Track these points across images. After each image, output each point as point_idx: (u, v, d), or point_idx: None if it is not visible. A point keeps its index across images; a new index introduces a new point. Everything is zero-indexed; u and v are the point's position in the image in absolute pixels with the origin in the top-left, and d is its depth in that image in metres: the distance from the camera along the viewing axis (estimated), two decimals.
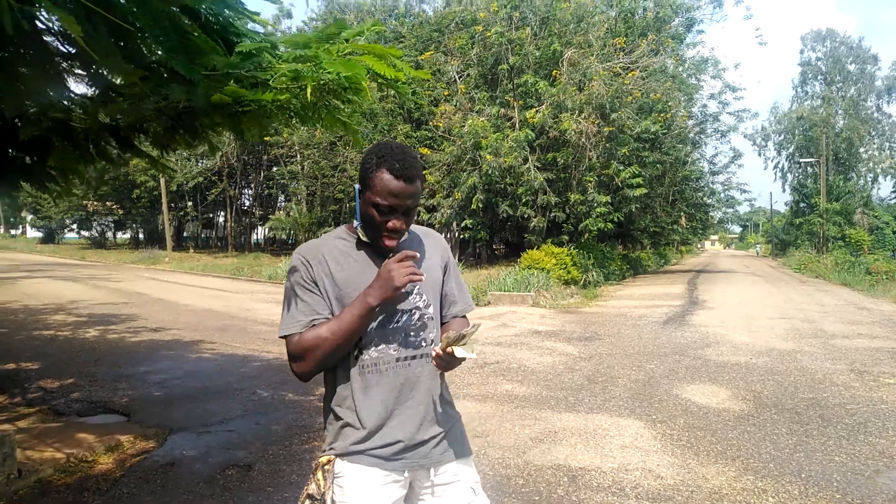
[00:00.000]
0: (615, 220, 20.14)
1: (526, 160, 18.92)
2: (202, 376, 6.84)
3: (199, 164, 36.87)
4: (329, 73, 2.83)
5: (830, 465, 4.30)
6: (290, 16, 34.68)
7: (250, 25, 3.14)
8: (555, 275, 17.13)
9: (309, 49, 2.91)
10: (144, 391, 6.15)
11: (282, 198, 43.29)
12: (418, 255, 1.66)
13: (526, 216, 19.73)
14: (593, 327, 11.05)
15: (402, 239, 1.79)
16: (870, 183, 54.05)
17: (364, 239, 1.76)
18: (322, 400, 1.90)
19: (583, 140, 18.05)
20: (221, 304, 13.39)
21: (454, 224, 22.77)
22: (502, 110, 20.52)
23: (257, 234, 51.19)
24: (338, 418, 1.76)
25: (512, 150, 18.49)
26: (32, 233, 64.96)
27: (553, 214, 19.54)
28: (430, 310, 1.83)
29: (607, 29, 20.43)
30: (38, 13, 2.46)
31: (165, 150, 4.18)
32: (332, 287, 1.73)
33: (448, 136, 20.93)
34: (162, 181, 32.58)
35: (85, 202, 44.36)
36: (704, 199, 31.70)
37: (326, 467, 1.74)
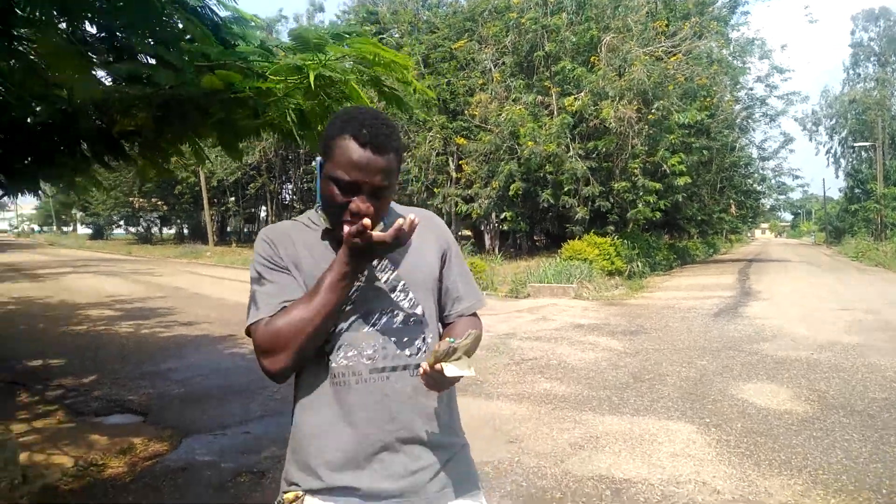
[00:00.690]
0: (662, 207, 19.39)
1: (567, 148, 18.30)
2: (225, 374, 6.60)
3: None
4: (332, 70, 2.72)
5: None
6: (322, 9, 34.67)
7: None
8: (598, 266, 16.52)
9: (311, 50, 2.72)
10: (165, 389, 5.94)
11: None
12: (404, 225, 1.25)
13: (568, 206, 19.10)
14: (639, 320, 10.49)
15: (380, 228, 1.36)
16: None
17: (325, 224, 1.39)
18: None
19: (624, 127, 17.35)
20: None
21: (493, 215, 22.31)
22: (539, 98, 19.90)
23: None
24: (300, 442, 1.39)
25: (552, 136, 17.90)
26: (83, 230, 66.99)
27: (597, 204, 18.86)
28: (419, 310, 1.44)
29: (647, 12, 19.60)
30: None
31: (157, 153, 3.95)
32: (297, 273, 1.37)
33: (484, 126, 20.45)
34: (202, 177, 32.85)
35: (131, 199, 45.54)
36: (754, 185, 30.55)
37: None
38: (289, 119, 3.05)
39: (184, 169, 36.51)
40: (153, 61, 2.84)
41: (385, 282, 1.40)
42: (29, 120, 3.69)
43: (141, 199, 45.96)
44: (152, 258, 32.43)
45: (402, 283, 1.42)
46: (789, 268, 24.30)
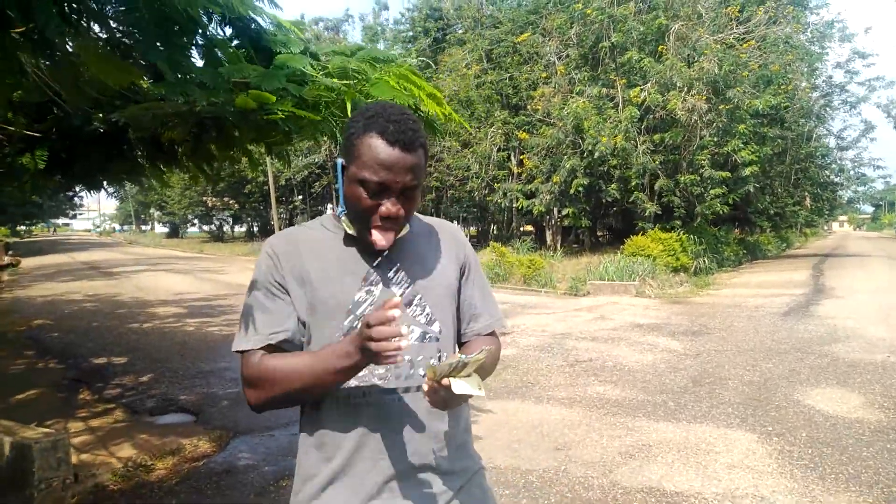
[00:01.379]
0: (731, 201, 18.65)
1: (635, 142, 17.81)
2: None
3: (304, 158, 37.95)
4: (373, 96, 2.67)
5: None
6: (386, 7, 35.08)
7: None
8: (662, 262, 16.04)
9: (352, 63, 2.69)
10: (218, 388, 6.05)
11: None
12: (401, 303, 1.14)
13: (636, 201, 18.58)
14: (702, 319, 10.12)
15: (403, 233, 1.33)
16: None
17: (350, 231, 1.32)
18: None
19: (694, 118, 16.76)
20: None
21: (554, 211, 21.98)
22: (604, 90, 19.43)
23: None
24: (305, 460, 1.34)
25: (618, 129, 17.45)
26: (160, 228, 69.83)
27: (665, 199, 18.29)
28: (436, 327, 1.36)
29: None
30: None
31: (205, 162, 4.02)
32: (305, 289, 1.30)
33: (547, 120, 20.14)
34: (270, 176, 33.64)
35: (204, 198, 47.20)
36: (831, 177, 29.07)
37: None
38: (329, 133, 3.05)
39: (252, 169, 37.55)
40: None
41: (400, 295, 1.33)
42: (85, 128, 3.81)
43: (214, 199, 47.58)
44: (223, 256, 33.46)
45: (418, 296, 1.35)
46: (868, 263, 22.98)
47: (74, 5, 1.89)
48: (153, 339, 8.63)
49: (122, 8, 1.96)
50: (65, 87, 2.67)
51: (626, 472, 3.94)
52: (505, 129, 22.62)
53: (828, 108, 26.15)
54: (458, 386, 1.14)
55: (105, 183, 5.53)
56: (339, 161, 1.29)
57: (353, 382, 1.27)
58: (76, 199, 31.67)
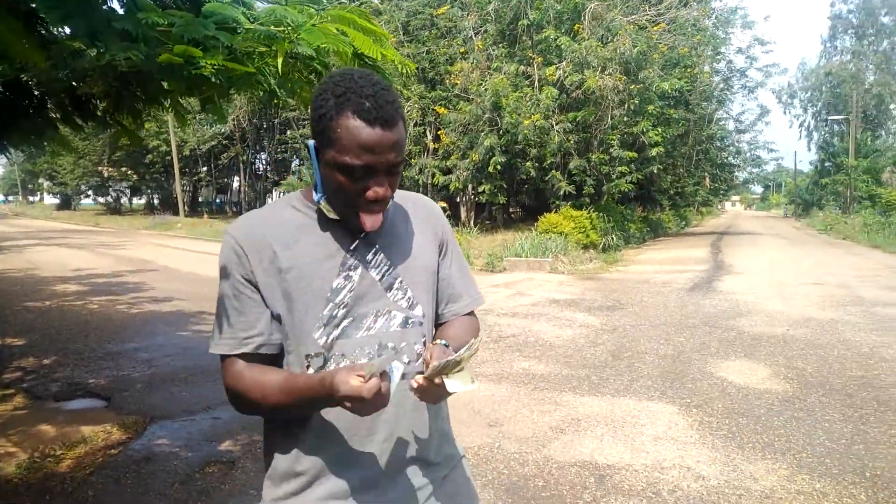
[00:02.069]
0: (636, 180, 19.33)
1: (552, 121, 18.03)
2: (195, 354, 6.35)
3: (212, 128, 36.33)
4: (308, 44, 2.47)
5: None
6: None
7: None
8: (573, 239, 16.49)
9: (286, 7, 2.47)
10: (130, 371, 5.69)
11: (296, 162, 42.64)
12: (389, 376, 1.04)
13: (546, 179, 18.88)
14: (615, 295, 10.46)
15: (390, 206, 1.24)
16: None
17: (332, 216, 1.19)
18: None
19: (607, 97, 17.15)
20: None
21: (469, 187, 22.05)
22: (521, 68, 19.54)
23: (272, 198, 50.86)
24: (275, 456, 1.24)
25: (537, 109, 17.61)
26: (49, 199, 65.39)
27: (578, 178, 18.68)
28: (419, 310, 1.27)
29: None
30: None
31: (131, 116, 3.66)
32: (279, 278, 1.17)
33: (465, 96, 20.09)
34: (174, 145, 32.10)
35: (100, 168, 44.42)
36: (729, 158, 30.70)
37: None
38: (265, 85, 2.85)
39: (155, 137, 35.63)
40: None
41: (380, 279, 1.23)
42: None
43: (110, 168, 44.77)
44: (121, 230, 31.76)
45: (398, 279, 1.25)
46: (760, 241, 24.54)
47: None
48: (53, 319, 8.03)
49: None
50: None
51: (558, 446, 3.99)
52: (421, 104, 22.36)
53: (728, 92, 27.54)
54: (453, 385, 1.08)
55: (5, 144, 4.99)
56: (311, 143, 1.16)
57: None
58: None
